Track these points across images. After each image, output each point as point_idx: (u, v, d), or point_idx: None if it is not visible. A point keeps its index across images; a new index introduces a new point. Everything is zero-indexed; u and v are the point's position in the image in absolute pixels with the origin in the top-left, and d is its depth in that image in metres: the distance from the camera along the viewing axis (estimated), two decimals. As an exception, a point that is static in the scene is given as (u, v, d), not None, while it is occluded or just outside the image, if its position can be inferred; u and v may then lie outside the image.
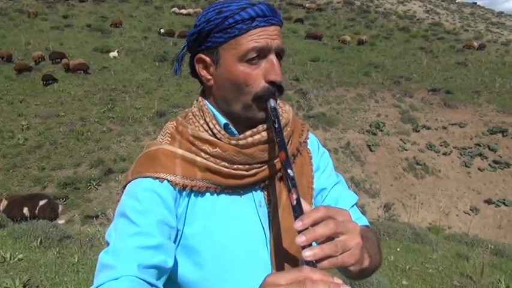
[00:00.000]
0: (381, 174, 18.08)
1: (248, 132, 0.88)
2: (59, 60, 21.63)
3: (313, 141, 1.04)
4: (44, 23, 29.02)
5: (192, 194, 0.88)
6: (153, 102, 18.85)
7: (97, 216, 10.04)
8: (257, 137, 0.87)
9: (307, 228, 0.63)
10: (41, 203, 9.12)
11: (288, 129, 0.93)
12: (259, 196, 0.92)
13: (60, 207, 9.93)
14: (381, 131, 20.37)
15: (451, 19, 52.25)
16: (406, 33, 37.39)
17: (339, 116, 20.71)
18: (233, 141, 0.87)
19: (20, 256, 4.27)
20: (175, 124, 0.94)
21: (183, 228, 0.87)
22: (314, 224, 0.64)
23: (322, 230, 0.63)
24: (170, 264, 0.81)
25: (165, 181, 0.85)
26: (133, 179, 0.87)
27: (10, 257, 4.19)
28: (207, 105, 0.93)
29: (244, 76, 0.85)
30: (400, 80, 24.76)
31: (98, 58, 23.77)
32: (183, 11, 36.51)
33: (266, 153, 0.88)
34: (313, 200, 0.96)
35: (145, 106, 18.81)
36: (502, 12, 68.84)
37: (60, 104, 18.51)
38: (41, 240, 4.87)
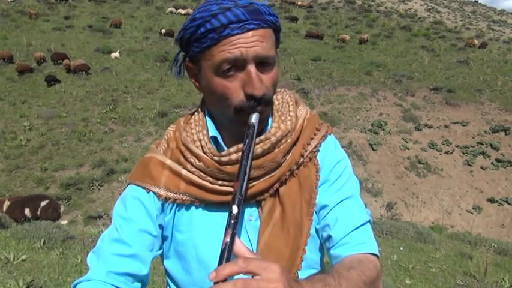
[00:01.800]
0: (383, 173, 18.05)
1: (233, 149, 0.83)
2: (61, 61, 21.67)
3: (328, 149, 0.92)
4: (45, 24, 29.06)
5: (178, 205, 0.89)
6: (155, 103, 18.86)
7: (100, 217, 10.04)
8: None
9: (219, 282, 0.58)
10: (43, 203, 9.14)
11: (289, 140, 0.85)
12: (251, 210, 0.87)
13: (62, 208, 9.95)
14: (383, 130, 20.33)
15: (453, 17, 52.14)
16: (407, 32, 37.30)
17: (340, 115, 20.69)
18: (216, 158, 0.83)
19: (24, 257, 4.27)
20: (174, 129, 0.94)
21: (172, 234, 0.90)
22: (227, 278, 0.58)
23: None
24: (145, 272, 0.87)
25: (151, 192, 0.88)
26: (128, 184, 0.92)
27: (13, 258, 4.20)
28: (205, 113, 0.91)
29: (222, 89, 0.79)
30: (401, 78, 24.72)
31: (99, 59, 23.80)
32: (181, 11, 36.41)
33: (252, 171, 0.82)
34: (313, 216, 0.87)
35: (147, 106, 18.82)
36: (504, 10, 68.66)
37: (62, 104, 18.54)
38: (44, 241, 4.88)
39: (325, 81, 23.33)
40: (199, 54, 0.80)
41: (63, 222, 9.38)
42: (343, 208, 0.87)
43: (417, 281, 4.67)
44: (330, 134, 0.94)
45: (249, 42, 0.76)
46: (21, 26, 27.59)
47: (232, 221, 0.67)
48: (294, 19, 37.63)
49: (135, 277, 0.86)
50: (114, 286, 0.82)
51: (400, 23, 41.80)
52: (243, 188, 0.72)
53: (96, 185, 13.43)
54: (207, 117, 0.90)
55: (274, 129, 0.85)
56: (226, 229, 0.66)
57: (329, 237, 0.86)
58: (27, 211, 8.83)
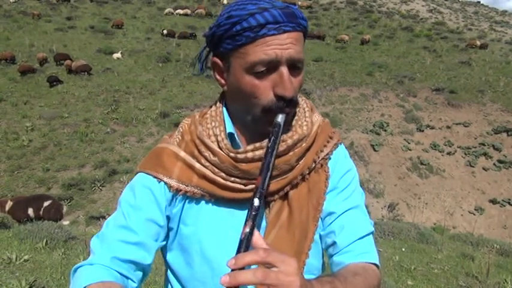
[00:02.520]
0: (385, 174, 18.03)
1: (250, 147, 0.84)
2: (64, 61, 21.72)
3: (339, 158, 0.93)
4: (47, 24, 29.15)
5: (188, 197, 0.89)
6: (157, 103, 18.89)
7: (102, 217, 10.07)
8: (258, 152, 0.82)
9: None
10: (46, 203, 9.15)
11: (304, 145, 0.87)
12: (260, 210, 0.90)
13: (65, 208, 9.97)
14: (385, 130, 20.31)
15: (455, 18, 52.05)
16: (409, 33, 37.26)
17: (342, 116, 20.68)
18: (232, 154, 0.84)
19: (26, 257, 4.28)
20: (190, 122, 0.94)
21: (178, 227, 0.90)
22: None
23: (246, 277, 0.57)
24: (149, 261, 0.87)
25: (162, 182, 0.88)
26: (138, 172, 0.92)
27: (16, 258, 4.20)
28: (223, 109, 0.91)
29: (251, 88, 0.79)
30: (403, 79, 24.69)
31: (101, 59, 23.85)
32: (180, 11, 36.28)
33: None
34: (319, 222, 0.88)
35: (148, 107, 18.85)
36: (506, 11, 68.53)
37: (64, 105, 18.58)
38: (46, 241, 4.89)
39: (326, 82, 23.32)
40: (230, 51, 0.81)
41: (65, 222, 9.40)
42: (350, 217, 0.88)
43: (419, 282, 4.66)
44: (341, 143, 0.95)
45: (283, 44, 0.77)
46: (24, 27, 27.69)
47: (253, 213, 0.68)
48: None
49: (138, 265, 0.86)
50: (118, 272, 0.82)
51: (402, 23, 41.76)
52: (265, 183, 0.73)
53: (98, 185, 13.45)
54: (225, 113, 0.91)
55: (292, 133, 0.86)
56: (246, 220, 0.67)
57: (334, 243, 0.87)
58: (30, 211, 8.85)
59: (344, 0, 51.08)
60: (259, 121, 0.82)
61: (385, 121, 20.87)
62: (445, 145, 20.45)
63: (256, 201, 0.70)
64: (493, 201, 17.70)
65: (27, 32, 26.65)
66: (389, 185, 17.58)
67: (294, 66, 0.80)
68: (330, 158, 0.91)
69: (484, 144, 20.38)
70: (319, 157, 0.89)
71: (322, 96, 22.09)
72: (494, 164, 19.52)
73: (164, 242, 0.92)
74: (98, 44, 25.84)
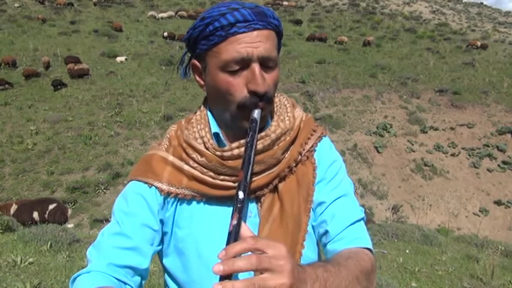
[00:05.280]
0: (389, 176, 17.98)
1: (235, 144, 0.87)
2: (74, 64, 21.76)
3: (324, 149, 0.96)
4: (51, 28, 29.32)
5: (179, 200, 0.91)
6: (160, 106, 18.95)
7: (106, 220, 10.09)
8: (244, 149, 0.83)
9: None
10: (51, 207, 9.20)
11: (287, 138, 0.90)
12: (251, 207, 0.90)
13: (69, 211, 10.01)
14: (388, 132, 20.27)
15: (458, 19, 51.93)
16: (412, 34, 37.20)
17: (345, 118, 20.65)
18: (218, 153, 0.87)
19: (31, 260, 4.30)
20: (176, 128, 0.98)
21: (172, 231, 0.92)
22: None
23: (241, 264, 0.57)
24: (145, 265, 0.87)
25: (153, 187, 0.90)
26: (130, 181, 0.94)
27: (21, 261, 4.23)
28: (207, 112, 0.95)
29: (226, 85, 0.83)
30: (406, 81, 24.65)
31: (105, 63, 23.96)
32: (163, 15, 35.78)
33: (253, 166, 0.85)
34: (310, 213, 0.90)
35: (152, 110, 18.91)
36: (510, 12, 68.28)
37: (68, 108, 18.68)
38: (50, 244, 4.92)
39: (329, 84, 23.31)
40: (206, 51, 0.85)
41: (70, 225, 9.43)
42: (340, 205, 0.90)
43: (423, 283, 4.65)
44: (325, 136, 0.98)
45: (253, 42, 0.81)
46: (28, 31, 27.87)
47: (238, 205, 0.70)
48: (299, 22, 37.70)
49: (136, 270, 0.86)
50: (115, 278, 0.83)
51: (404, 25, 41.70)
52: (248, 176, 0.76)
53: (102, 188, 13.50)
54: (209, 115, 0.94)
55: (274, 127, 0.89)
56: (233, 213, 0.69)
57: (326, 232, 0.89)
58: (35, 214, 8.89)
59: (347, 2, 51.11)
60: (237, 118, 0.86)
61: (388, 123, 20.83)
62: (449, 146, 20.38)
63: (240, 194, 0.72)
64: (498, 203, 17.61)
65: (31, 36, 26.82)
66: (393, 187, 17.53)
67: (267, 64, 0.83)
68: (315, 150, 0.94)
69: (488, 146, 20.30)
70: (304, 149, 0.92)
71: (325, 98, 22.07)
72: (498, 165, 19.43)
73: (160, 247, 0.93)
74: (102, 48, 25.97)
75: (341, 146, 18.14)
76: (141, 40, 28.91)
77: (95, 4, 37.93)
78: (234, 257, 0.59)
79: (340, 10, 47.21)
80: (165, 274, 0.97)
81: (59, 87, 20.05)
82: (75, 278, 0.83)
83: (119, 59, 24.11)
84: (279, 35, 0.88)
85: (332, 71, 25.22)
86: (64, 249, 4.91)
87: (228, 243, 0.65)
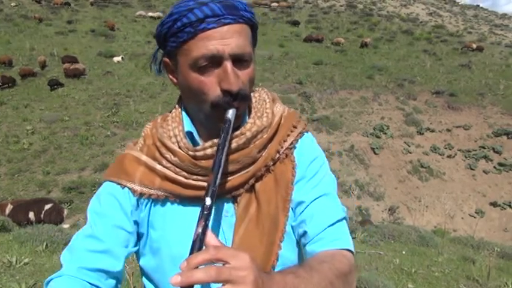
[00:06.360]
0: (385, 177, 18.02)
1: (208, 143, 0.83)
2: (70, 64, 21.70)
3: (304, 146, 0.92)
4: (48, 28, 29.23)
5: (153, 201, 0.89)
6: (157, 106, 18.92)
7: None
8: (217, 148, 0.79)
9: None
10: (47, 207, 9.15)
11: (265, 136, 0.86)
12: (227, 206, 0.87)
13: (65, 212, 9.96)
14: (385, 133, 20.32)
15: (454, 21, 52.17)
16: (409, 36, 37.33)
17: (342, 119, 20.69)
18: (190, 152, 0.84)
19: (26, 260, 4.28)
20: (151, 126, 0.95)
21: (147, 231, 0.90)
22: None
23: (199, 275, 0.55)
24: (118, 268, 0.85)
25: (126, 188, 0.88)
26: (104, 181, 0.92)
27: (16, 262, 4.21)
28: (181, 110, 0.92)
29: (198, 84, 0.79)
30: (403, 82, 24.73)
31: (101, 63, 23.91)
32: (150, 14, 35.70)
33: (228, 165, 0.83)
34: (289, 213, 0.86)
35: (149, 110, 18.88)
36: (506, 14, 68.68)
37: (65, 108, 18.62)
38: (46, 244, 4.89)
39: (327, 85, 23.35)
40: (176, 49, 0.81)
41: (65, 226, 9.38)
42: (319, 205, 0.87)
43: (419, 285, 4.65)
44: (307, 132, 0.94)
45: (224, 38, 0.76)
46: (24, 31, 27.76)
47: (205, 212, 0.66)
48: (296, 23, 37.75)
49: (108, 273, 0.84)
50: (87, 282, 0.81)
51: (401, 27, 41.84)
52: (217, 181, 0.71)
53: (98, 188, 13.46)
54: (183, 113, 0.91)
55: (250, 125, 0.86)
56: (198, 220, 0.65)
57: (305, 233, 0.86)
58: (31, 214, 8.84)
59: (344, 3, 51.25)
60: (211, 117, 0.82)
61: (385, 124, 20.88)
62: (446, 148, 20.45)
63: (208, 200, 0.68)
64: (494, 204, 17.68)
65: (27, 36, 26.72)
66: (390, 188, 17.57)
67: (240, 60, 0.79)
68: (295, 147, 0.90)
69: (484, 147, 20.39)
70: (282, 147, 0.88)
71: (323, 99, 22.11)
72: (494, 167, 19.52)
73: (136, 248, 0.91)
74: (99, 48, 25.91)
75: (338, 147, 18.17)
76: (138, 40, 28.86)
77: (91, 4, 37.84)
78: (197, 267, 0.57)
79: (337, 11, 47.31)
80: (143, 276, 0.95)
81: (55, 87, 19.99)
82: (48, 282, 0.82)
83: (115, 59, 24.06)
84: (254, 28, 0.84)
85: (329, 72, 25.27)
86: (60, 250, 4.88)
87: (191, 252, 0.63)
